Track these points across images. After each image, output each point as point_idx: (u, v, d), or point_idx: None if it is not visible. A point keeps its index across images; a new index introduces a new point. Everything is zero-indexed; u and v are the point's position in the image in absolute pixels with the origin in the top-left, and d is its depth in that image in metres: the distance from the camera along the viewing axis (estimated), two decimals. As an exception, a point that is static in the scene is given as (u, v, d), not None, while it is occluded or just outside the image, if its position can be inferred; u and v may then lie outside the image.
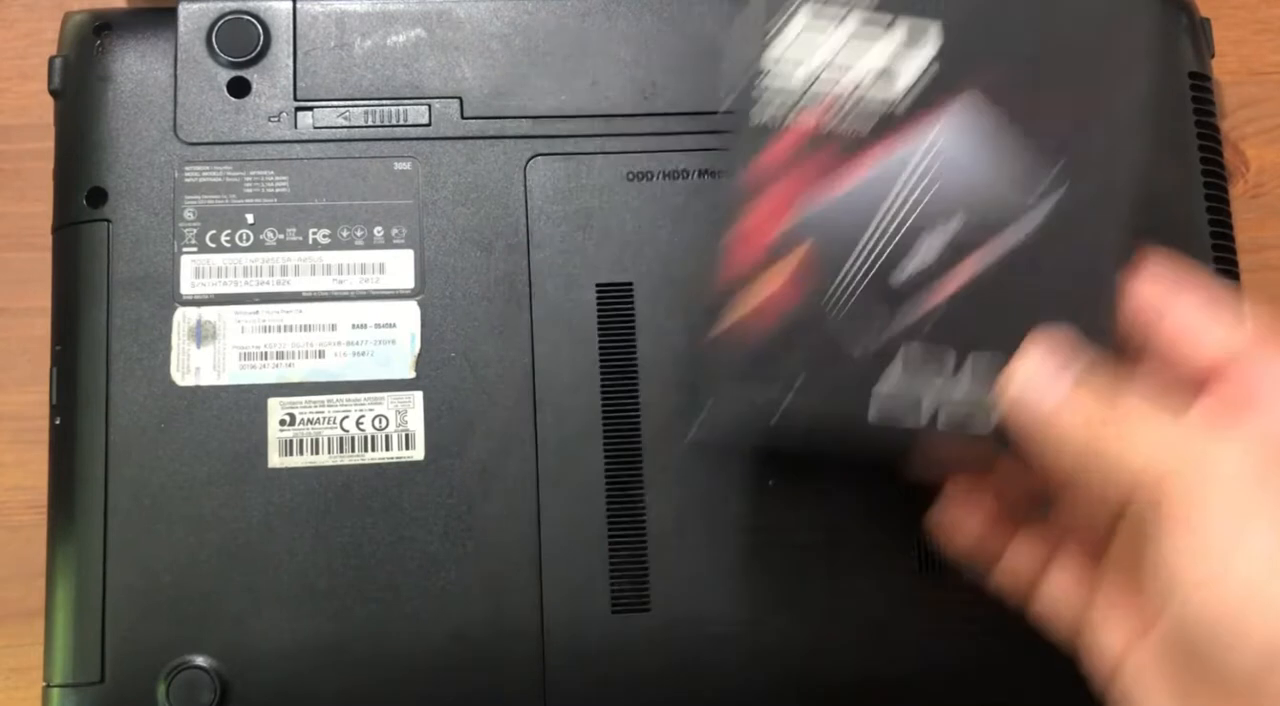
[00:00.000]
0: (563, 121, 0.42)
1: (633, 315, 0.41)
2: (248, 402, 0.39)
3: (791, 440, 0.34)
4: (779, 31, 0.34)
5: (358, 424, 0.39)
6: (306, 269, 0.40)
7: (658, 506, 0.40)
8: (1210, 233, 0.43)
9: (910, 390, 0.33)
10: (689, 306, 0.41)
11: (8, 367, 0.46)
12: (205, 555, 0.38)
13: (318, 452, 0.39)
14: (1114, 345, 0.33)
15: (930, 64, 0.34)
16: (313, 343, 0.40)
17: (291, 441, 0.39)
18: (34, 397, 0.44)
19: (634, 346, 0.41)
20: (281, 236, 0.41)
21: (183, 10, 0.42)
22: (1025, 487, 0.35)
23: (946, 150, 0.34)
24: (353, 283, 0.40)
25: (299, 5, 0.42)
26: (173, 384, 0.39)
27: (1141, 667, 0.30)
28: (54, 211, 0.41)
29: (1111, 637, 0.31)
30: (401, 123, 0.41)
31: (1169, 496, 0.28)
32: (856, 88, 0.34)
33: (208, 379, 0.39)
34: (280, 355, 0.40)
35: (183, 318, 0.40)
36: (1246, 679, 0.27)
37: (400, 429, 0.39)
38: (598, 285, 0.41)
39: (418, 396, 0.40)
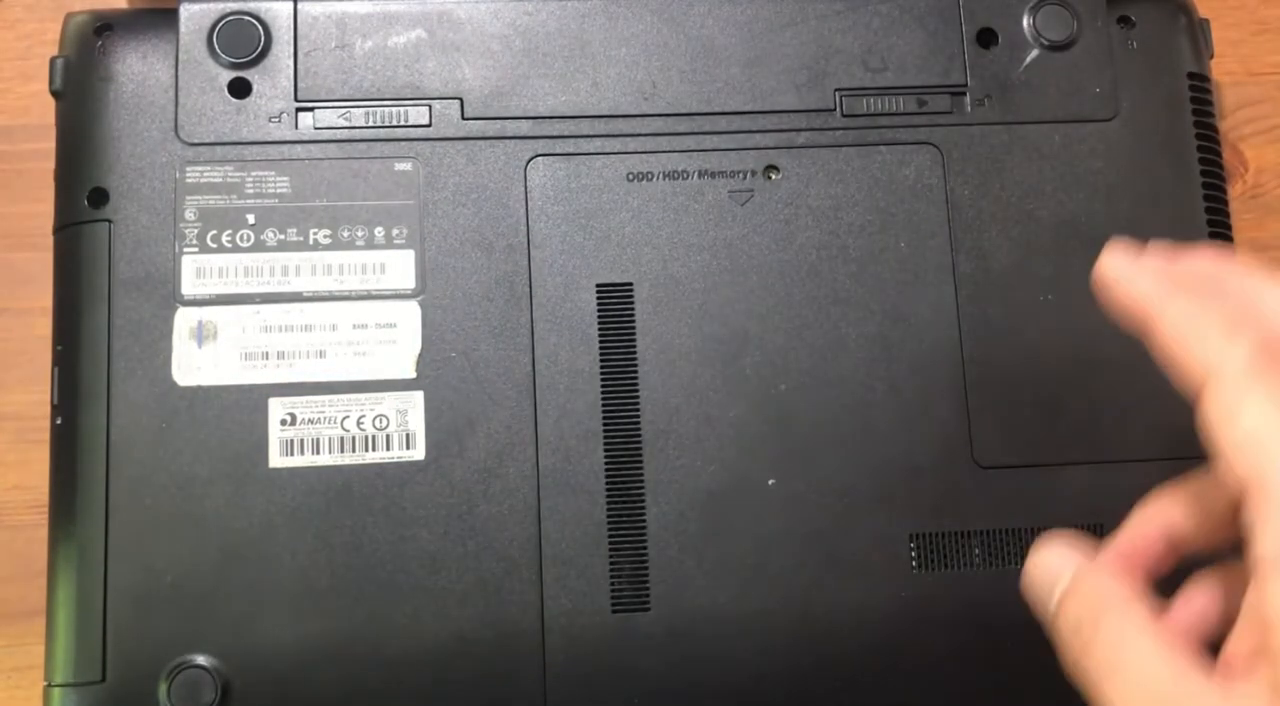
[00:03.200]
0: (563, 122, 0.42)
1: (633, 315, 0.41)
2: (248, 402, 0.39)
3: None
4: None
5: (358, 424, 0.40)
6: (307, 269, 0.40)
7: (658, 506, 0.40)
8: (1209, 233, 0.43)
9: None
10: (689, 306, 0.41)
11: (9, 367, 0.46)
12: (206, 555, 0.38)
13: (318, 452, 0.39)
14: None
15: None
16: (313, 343, 0.40)
17: (292, 441, 0.39)
18: (35, 397, 0.44)
19: (634, 346, 0.41)
20: (282, 237, 0.41)
21: (184, 11, 0.42)
22: None
23: None
24: (353, 283, 0.41)
25: (300, 6, 0.42)
26: (174, 384, 0.39)
27: None
28: (55, 212, 0.41)
29: None
30: (402, 123, 0.41)
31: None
32: None
33: (208, 379, 0.39)
34: (281, 355, 0.40)
35: (184, 318, 0.40)
36: None
37: (401, 429, 0.40)
38: (598, 285, 0.41)
39: (418, 396, 0.40)
